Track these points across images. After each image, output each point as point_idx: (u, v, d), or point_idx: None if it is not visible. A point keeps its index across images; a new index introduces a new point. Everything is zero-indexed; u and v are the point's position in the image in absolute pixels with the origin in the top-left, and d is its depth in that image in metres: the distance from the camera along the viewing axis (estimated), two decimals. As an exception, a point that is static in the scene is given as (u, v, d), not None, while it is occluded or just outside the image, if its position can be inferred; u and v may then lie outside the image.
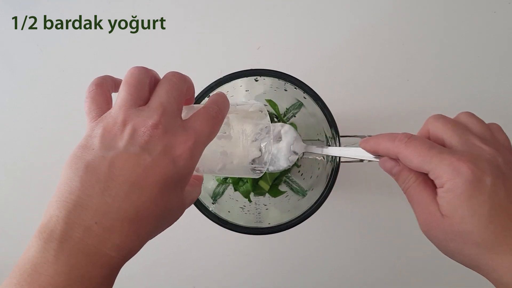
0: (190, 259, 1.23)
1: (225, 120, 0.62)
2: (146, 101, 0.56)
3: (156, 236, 1.09)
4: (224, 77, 0.76)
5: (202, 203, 0.77)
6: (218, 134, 0.59)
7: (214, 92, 0.77)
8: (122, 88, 0.57)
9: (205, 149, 0.57)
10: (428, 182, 0.57)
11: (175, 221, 0.61)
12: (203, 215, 0.77)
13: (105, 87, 0.60)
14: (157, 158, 0.52)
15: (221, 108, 0.60)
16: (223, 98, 0.62)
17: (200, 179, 0.69)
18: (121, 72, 1.11)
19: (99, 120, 0.55)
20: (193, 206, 0.76)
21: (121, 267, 0.54)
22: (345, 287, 1.23)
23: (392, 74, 1.15)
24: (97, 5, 1.19)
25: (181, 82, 0.58)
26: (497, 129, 0.61)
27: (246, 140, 0.71)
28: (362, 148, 0.64)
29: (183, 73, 0.60)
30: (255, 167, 0.72)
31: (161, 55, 1.18)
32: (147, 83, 0.58)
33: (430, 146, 0.55)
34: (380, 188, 1.17)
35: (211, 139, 0.58)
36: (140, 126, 0.52)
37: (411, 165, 0.57)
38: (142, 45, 1.18)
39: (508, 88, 1.13)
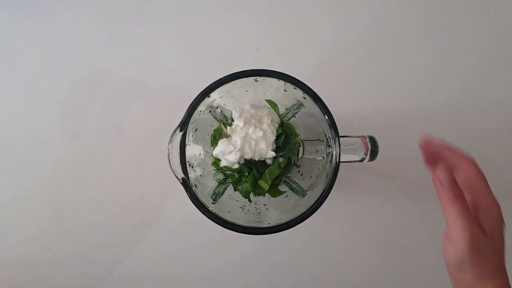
0: (190, 259, 1.23)
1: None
2: None
3: (157, 235, 1.10)
4: (224, 77, 0.76)
5: (202, 203, 0.77)
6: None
7: (215, 92, 0.77)
8: None
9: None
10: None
11: None
12: (203, 215, 0.77)
13: None
14: None
15: None
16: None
17: None
18: (120, 72, 1.12)
19: None
20: (193, 206, 0.77)
21: None
22: (344, 287, 1.23)
23: (392, 74, 1.15)
24: (97, 4, 1.19)
25: None
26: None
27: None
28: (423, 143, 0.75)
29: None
30: None
31: (161, 55, 1.18)
32: None
33: (468, 218, 0.68)
34: (378, 188, 1.17)
35: None
36: None
37: (443, 208, 0.70)
38: (143, 45, 1.18)
39: (508, 88, 1.13)
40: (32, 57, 1.20)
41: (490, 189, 0.72)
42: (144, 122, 1.19)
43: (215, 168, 0.92)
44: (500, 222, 0.70)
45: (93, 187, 1.22)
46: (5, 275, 1.28)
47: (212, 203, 0.85)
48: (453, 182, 0.70)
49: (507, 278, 0.71)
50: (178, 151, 0.77)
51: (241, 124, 0.85)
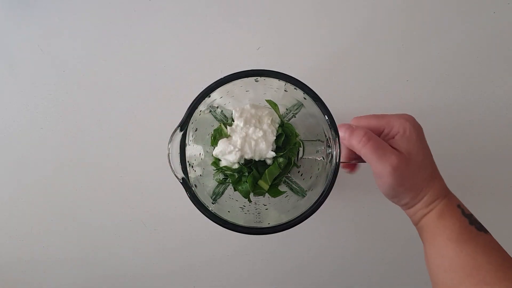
0: (190, 258, 1.23)
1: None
2: None
3: (157, 234, 1.10)
4: (224, 77, 0.76)
5: (202, 203, 0.77)
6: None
7: (215, 92, 0.77)
8: None
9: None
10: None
11: None
12: (202, 215, 0.77)
13: None
14: None
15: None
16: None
17: None
18: (121, 72, 1.12)
19: None
20: (192, 206, 0.77)
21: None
22: (345, 286, 1.23)
23: (392, 75, 1.15)
24: (97, 4, 1.19)
25: None
26: None
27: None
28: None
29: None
30: None
31: (162, 55, 1.18)
32: None
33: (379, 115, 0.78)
34: (377, 188, 1.17)
35: None
36: None
37: (361, 155, 0.75)
38: (143, 45, 1.18)
39: (508, 88, 1.13)
40: (32, 57, 1.20)
41: (388, 114, 0.78)
42: (144, 122, 1.19)
43: (215, 168, 0.91)
44: (412, 136, 0.75)
45: (93, 187, 1.22)
46: (5, 275, 1.28)
47: (212, 203, 0.85)
48: (354, 129, 0.75)
49: (442, 182, 0.78)
50: (178, 151, 0.77)
51: (241, 124, 0.85)
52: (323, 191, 0.75)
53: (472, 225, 0.73)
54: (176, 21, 1.18)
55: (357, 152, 0.75)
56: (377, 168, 0.74)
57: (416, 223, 0.81)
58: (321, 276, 1.23)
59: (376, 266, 1.22)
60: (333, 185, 0.75)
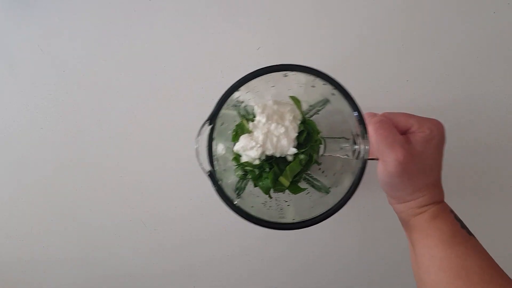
0: (190, 258, 1.23)
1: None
2: None
3: (157, 234, 1.10)
4: (259, 69, 0.74)
5: (228, 197, 0.76)
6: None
7: (242, 86, 0.77)
8: None
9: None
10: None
11: None
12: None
13: None
14: None
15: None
16: None
17: None
18: (120, 72, 1.12)
19: None
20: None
21: None
22: (346, 286, 1.24)
23: (392, 75, 1.16)
24: (97, 4, 1.18)
25: None
26: None
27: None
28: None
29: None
30: None
31: (162, 55, 1.18)
32: None
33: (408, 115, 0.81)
34: (378, 188, 1.18)
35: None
36: None
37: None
38: (143, 45, 1.18)
39: (508, 88, 1.15)
40: (32, 57, 1.19)
41: (421, 116, 0.81)
42: (144, 122, 1.19)
43: (236, 164, 0.92)
44: (433, 141, 0.78)
45: (93, 187, 1.22)
46: (5, 275, 1.27)
47: (237, 197, 0.85)
48: (373, 116, 0.80)
49: (442, 192, 0.82)
50: (206, 145, 0.77)
51: (264, 120, 0.85)
52: (351, 187, 0.76)
53: (463, 229, 0.76)
54: (176, 21, 1.18)
55: (371, 138, 0.77)
56: (384, 156, 0.76)
57: (405, 221, 0.85)
58: (322, 277, 1.24)
59: (377, 267, 1.23)
60: (360, 181, 0.76)
